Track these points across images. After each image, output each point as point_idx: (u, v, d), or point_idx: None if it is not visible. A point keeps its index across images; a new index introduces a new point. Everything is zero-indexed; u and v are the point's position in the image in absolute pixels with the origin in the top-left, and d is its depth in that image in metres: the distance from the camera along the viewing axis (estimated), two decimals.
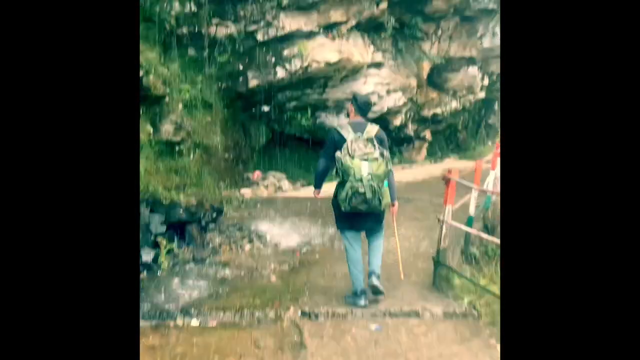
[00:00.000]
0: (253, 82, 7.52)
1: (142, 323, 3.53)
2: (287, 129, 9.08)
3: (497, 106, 13.33)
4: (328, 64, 7.86)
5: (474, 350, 3.11)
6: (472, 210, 5.24)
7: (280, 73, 7.56)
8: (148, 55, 6.04)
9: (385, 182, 3.48)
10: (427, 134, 11.28)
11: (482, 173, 6.12)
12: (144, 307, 3.72)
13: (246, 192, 7.60)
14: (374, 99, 8.91)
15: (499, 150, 6.76)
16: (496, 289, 3.45)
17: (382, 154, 3.35)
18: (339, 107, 9.01)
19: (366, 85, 8.84)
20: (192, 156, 6.69)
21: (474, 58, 10.75)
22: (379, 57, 9.06)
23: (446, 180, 4.01)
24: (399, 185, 4.05)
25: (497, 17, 10.36)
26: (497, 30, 10.47)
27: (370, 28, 8.88)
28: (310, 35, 7.68)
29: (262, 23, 7.27)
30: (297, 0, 7.30)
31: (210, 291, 4.14)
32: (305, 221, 6.21)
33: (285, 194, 7.93)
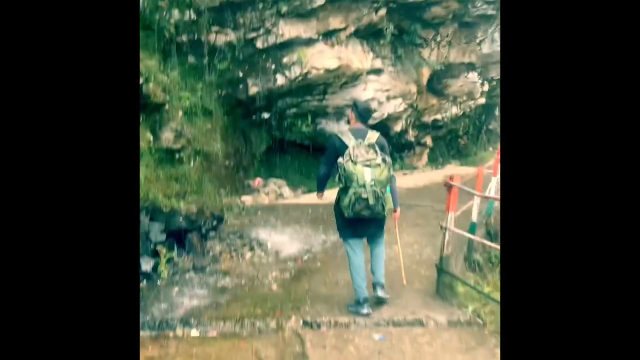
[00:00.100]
0: (253, 89, 7.51)
1: (142, 333, 3.48)
2: (287, 136, 9.06)
3: (497, 112, 13.33)
4: (327, 71, 7.85)
5: None
6: (474, 217, 5.20)
7: (280, 80, 7.55)
8: (148, 63, 6.03)
9: (388, 188, 3.48)
10: (428, 140, 11.27)
11: (484, 179, 6.08)
12: (144, 317, 3.67)
13: (247, 199, 7.56)
14: (373, 105, 8.89)
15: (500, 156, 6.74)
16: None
17: (384, 160, 3.35)
18: (339, 114, 8.99)
19: (366, 92, 8.83)
20: (192, 163, 6.66)
21: (473, 64, 10.76)
22: (378, 63, 9.06)
23: (448, 187, 3.98)
24: (400, 191, 4.03)
25: (496, 22, 10.39)
26: (497, 36, 10.49)
27: (369, 35, 8.89)
28: (309, 42, 7.68)
29: (261, 30, 7.28)
30: (296, 8, 7.31)
31: (210, 300, 4.08)
32: (306, 228, 6.17)
33: (286, 200, 7.89)
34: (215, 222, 6.03)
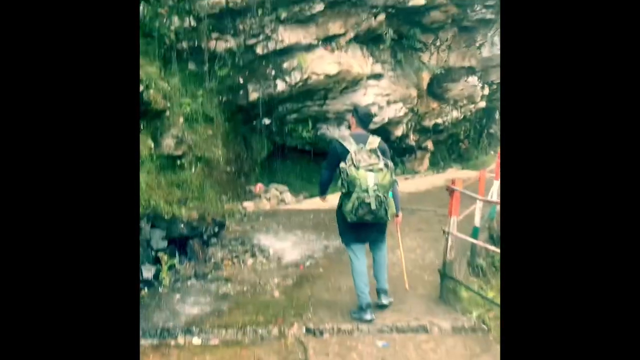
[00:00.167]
0: (253, 95, 7.51)
1: (143, 342, 3.45)
2: (288, 141, 9.05)
3: (498, 115, 13.32)
4: (327, 76, 7.85)
5: None
6: (477, 221, 5.18)
7: (280, 86, 7.55)
8: (148, 69, 6.03)
9: (390, 192, 3.47)
10: (429, 144, 11.25)
11: (486, 182, 6.06)
12: (145, 325, 3.65)
13: (248, 205, 7.54)
14: (374, 110, 8.89)
15: None
16: None
17: (386, 165, 3.36)
18: (339, 119, 8.99)
19: (366, 97, 8.83)
20: (193, 170, 6.65)
21: (473, 68, 10.76)
22: (378, 68, 9.07)
23: (450, 191, 3.95)
24: (402, 196, 4.01)
25: (496, 26, 10.40)
26: (496, 39, 10.50)
27: (368, 40, 8.90)
28: (309, 47, 7.69)
29: (261, 36, 7.29)
30: (295, 14, 7.32)
31: (212, 308, 4.06)
32: (308, 234, 6.14)
33: (288, 206, 7.87)
34: (216, 229, 6.01)
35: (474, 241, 4.29)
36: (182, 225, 5.47)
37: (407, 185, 9.43)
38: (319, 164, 9.60)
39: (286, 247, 5.62)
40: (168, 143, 6.24)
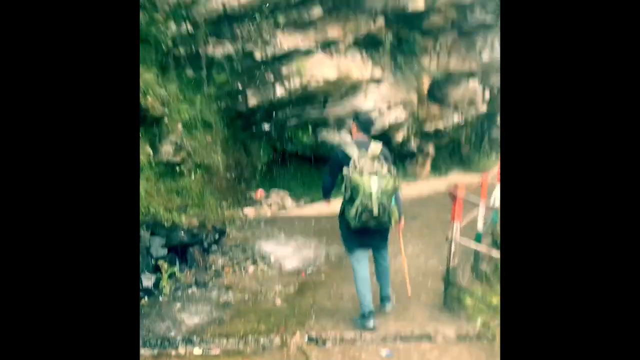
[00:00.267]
0: (252, 101, 7.47)
1: (143, 352, 3.40)
2: (288, 147, 9.00)
3: (499, 119, 13.28)
4: (327, 81, 7.82)
5: None
6: (480, 227, 5.11)
7: (280, 91, 7.52)
8: (145, 76, 6.01)
9: (392, 198, 3.45)
10: (431, 149, 11.19)
11: (488, 187, 5.99)
12: (145, 334, 3.59)
13: (249, 211, 7.49)
14: (374, 114, 8.85)
15: None
16: None
17: (389, 171, 3.36)
18: (340, 124, 8.94)
19: (366, 101, 8.79)
20: (193, 176, 6.61)
21: (474, 72, 10.72)
22: (378, 73, 9.03)
23: (452, 197, 3.90)
24: (404, 201, 3.97)
25: (496, 31, 10.38)
26: (496, 44, 10.48)
27: (368, 44, 8.87)
28: (308, 52, 7.65)
29: (259, 42, 7.25)
30: (293, 19, 7.29)
31: (213, 316, 4.00)
32: (310, 240, 6.08)
33: (289, 212, 7.81)
34: (217, 236, 5.96)
35: (478, 247, 4.23)
36: (182, 233, 5.42)
37: (408, 190, 9.36)
38: (320, 170, 9.55)
39: (288, 254, 5.56)
40: (167, 150, 6.21)
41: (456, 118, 11.04)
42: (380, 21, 8.56)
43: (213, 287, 4.68)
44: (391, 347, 3.32)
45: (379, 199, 3.24)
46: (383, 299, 3.82)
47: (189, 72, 7.17)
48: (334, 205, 4.01)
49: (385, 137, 9.45)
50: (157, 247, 5.03)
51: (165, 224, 5.53)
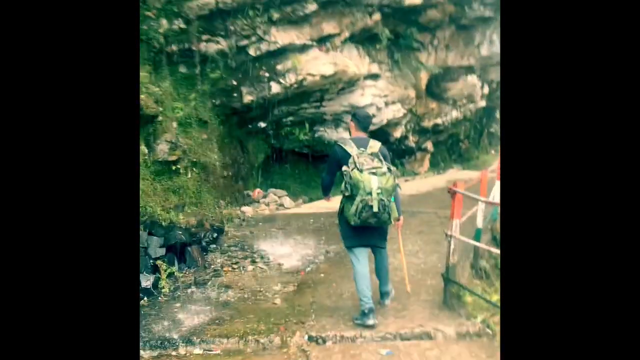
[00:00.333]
0: (247, 98, 7.41)
1: (143, 353, 3.38)
2: (285, 144, 8.97)
3: (498, 114, 13.26)
4: (323, 77, 7.77)
5: None
6: (479, 223, 5.10)
7: (275, 88, 7.46)
8: None
9: (392, 196, 3.45)
10: (429, 145, 11.18)
11: (488, 183, 5.98)
12: (145, 335, 3.57)
13: (247, 210, 7.46)
14: (372, 111, 8.81)
15: None
16: None
17: (389, 169, 3.37)
18: (337, 121, 8.91)
19: (363, 98, 8.75)
20: (189, 175, 6.56)
21: (472, 67, 10.70)
22: (375, 68, 9.00)
23: (452, 194, 3.88)
24: (402, 198, 3.96)
25: (494, 24, 10.34)
26: (495, 38, 10.44)
27: (364, 39, 8.83)
28: (303, 48, 7.60)
29: (253, 38, 7.19)
30: (288, 14, 7.23)
31: (213, 316, 3.98)
32: (308, 239, 6.06)
33: (287, 210, 7.79)
34: (215, 235, 5.93)
35: (477, 244, 4.22)
36: (180, 232, 5.39)
37: (407, 187, 9.35)
38: (317, 167, 9.52)
39: (286, 253, 5.55)
40: (162, 148, 6.16)
41: (454, 113, 11.02)
42: (377, 16, 8.51)
43: (212, 286, 4.66)
44: (391, 346, 3.30)
45: (379, 196, 3.25)
46: (383, 294, 3.86)
47: (182, 69, 7.11)
48: (332, 202, 3.99)
49: (383, 133, 9.43)
50: (154, 247, 5.00)
51: (163, 224, 5.50)
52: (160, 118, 6.12)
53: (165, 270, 4.74)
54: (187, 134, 6.74)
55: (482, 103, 11.53)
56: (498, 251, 3.75)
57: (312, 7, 7.36)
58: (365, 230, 3.48)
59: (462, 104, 11.04)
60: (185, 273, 5.01)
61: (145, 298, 4.36)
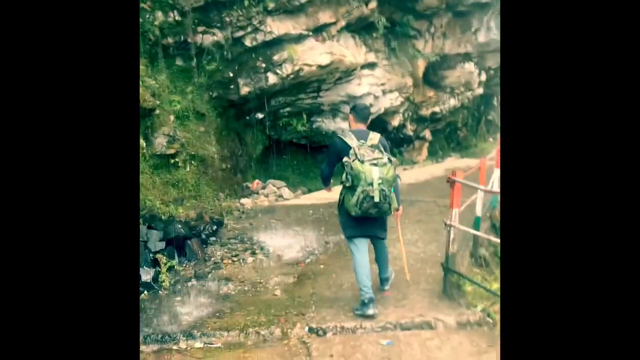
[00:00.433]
0: (244, 89, 7.37)
1: (144, 347, 3.39)
2: (283, 136, 8.93)
3: (496, 101, 13.22)
4: (320, 67, 7.71)
5: None
6: (478, 210, 5.11)
7: (272, 79, 7.41)
8: None
9: (392, 187, 3.48)
10: (427, 134, 11.14)
11: (487, 171, 5.97)
12: (145, 329, 3.58)
13: (246, 202, 7.45)
14: (369, 100, 8.77)
15: None
16: None
17: (390, 160, 3.40)
18: (334, 111, 8.86)
19: (361, 87, 8.70)
20: (188, 168, 6.54)
21: (469, 54, 10.62)
22: (372, 57, 8.92)
23: (451, 183, 3.87)
24: (401, 187, 3.96)
25: (492, 11, 10.24)
26: (492, 24, 10.35)
27: (360, 28, 8.74)
28: (299, 38, 7.53)
29: (249, 28, 7.12)
30: (283, 4, 7.15)
31: (213, 309, 3.99)
32: (308, 230, 6.06)
33: (286, 202, 7.78)
34: (215, 227, 5.93)
35: (477, 233, 4.22)
36: (179, 225, 5.39)
37: (405, 176, 9.33)
38: (316, 158, 9.50)
39: (286, 244, 5.55)
40: (160, 142, 6.13)
41: (452, 101, 10.97)
42: (373, 4, 8.42)
43: (212, 278, 4.66)
44: (391, 336, 3.31)
45: (380, 186, 3.28)
46: (382, 280, 3.95)
47: (179, 62, 7.06)
48: (331, 193, 3.99)
49: (381, 122, 9.39)
50: (154, 241, 4.99)
51: (163, 217, 5.49)
52: (157, 111, 6.08)
53: (165, 264, 4.74)
54: (185, 127, 6.71)
55: (480, 90, 11.47)
56: (498, 240, 3.76)
57: None
58: (366, 221, 3.51)
59: (460, 91, 10.98)
60: (185, 266, 5.01)
61: (146, 292, 4.36)
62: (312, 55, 7.60)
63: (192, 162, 6.60)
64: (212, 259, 5.21)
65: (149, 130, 5.99)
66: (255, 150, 8.46)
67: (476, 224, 5.10)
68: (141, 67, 6.12)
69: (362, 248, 3.62)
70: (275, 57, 7.35)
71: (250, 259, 5.15)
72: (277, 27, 7.23)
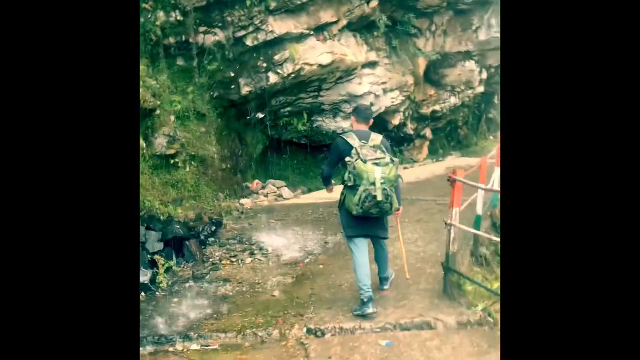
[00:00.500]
0: (245, 89, 7.34)
1: (140, 349, 3.35)
2: (283, 135, 8.89)
3: (496, 100, 13.14)
4: (321, 66, 7.67)
5: None
6: (479, 209, 5.06)
7: (273, 78, 7.38)
8: None
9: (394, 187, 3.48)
10: (427, 132, 11.08)
11: (487, 169, 5.91)
12: (141, 332, 3.54)
13: (246, 202, 7.42)
14: (370, 98, 8.72)
15: None
16: None
17: (392, 159, 3.42)
18: (335, 110, 8.82)
19: (361, 86, 8.65)
20: (187, 168, 6.51)
21: (470, 52, 10.55)
22: (372, 56, 8.88)
23: (451, 182, 3.82)
24: (401, 185, 3.93)
25: (492, 8, 10.17)
26: (493, 22, 10.27)
27: (362, 27, 8.70)
28: (300, 37, 7.50)
29: (250, 28, 7.09)
30: (285, 3, 7.12)
31: (210, 310, 3.96)
32: (307, 229, 6.02)
33: (286, 201, 7.75)
34: (213, 228, 5.90)
35: (477, 232, 4.17)
36: (178, 226, 5.35)
37: (406, 174, 9.26)
38: (316, 157, 9.46)
39: (285, 244, 5.51)
40: (160, 142, 6.10)
41: (453, 100, 10.91)
42: (374, 2, 8.37)
43: (210, 279, 4.63)
44: (391, 337, 3.27)
45: (383, 185, 3.30)
46: (382, 280, 3.94)
47: (180, 62, 7.04)
48: (331, 193, 3.95)
49: (381, 121, 9.34)
50: (152, 242, 4.96)
51: (161, 218, 5.46)
52: (157, 112, 6.05)
53: (163, 265, 4.71)
54: (185, 127, 6.68)
55: (480, 89, 11.39)
56: (498, 238, 3.71)
57: None
58: (367, 221, 3.51)
59: (461, 90, 10.91)
60: (183, 267, 4.98)
61: (143, 293, 4.33)
62: (313, 54, 7.56)
63: (192, 162, 6.57)
64: (211, 259, 5.18)
65: (149, 131, 5.96)
66: (256, 150, 8.43)
67: (477, 223, 5.05)
68: (142, 67, 6.10)
69: (362, 248, 3.61)
70: (277, 57, 7.32)
71: (248, 260, 5.12)
72: (278, 26, 7.20)
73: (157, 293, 4.37)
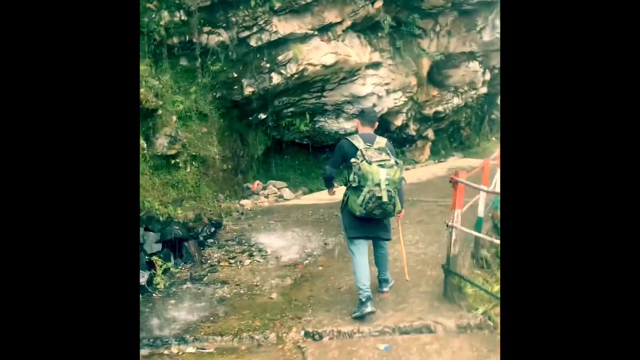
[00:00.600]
0: (248, 90, 7.31)
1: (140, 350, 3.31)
2: (285, 136, 8.86)
3: (499, 101, 13.04)
4: (324, 67, 7.63)
5: None
6: (480, 211, 5.00)
7: (276, 78, 7.34)
8: None
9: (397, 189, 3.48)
10: (430, 133, 11.02)
11: (490, 171, 5.84)
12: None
13: (246, 203, 7.38)
14: (373, 99, 8.68)
15: None
16: None
17: (396, 162, 3.45)
18: (337, 111, 8.77)
19: (365, 87, 8.60)
20: (188, 169, 6.48)
21: (474, 52, 10.47)
22: (376, 56, 8.83)
23: (453, 183, 3.77)
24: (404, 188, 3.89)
25: (496, 9, 10.10)
26: (497, 22, 10.19)
27: (366, 28, 8.65)
28: (304, 38, 7.46)
29: (254, 28, 7.06)
30: (289, 3, 7.08)
31: (208, 313, 3.91)
32: (307, 230, 5.97)
33: (286, 202, 7.70)
34: (213, 229, 5.86)
35: (479, 235, 4.11)
36: (176, 227, 5.32)
37: (408, 175, 9.16)
38: (318, 158, 9.42)
39: (284, 246, 5.46)
40: (161, 142, 6.07)
41: (456, 100, 10.84)
42: (379, 3, 8.32)
43: (208, 281, 4.59)
44: (389, 341, 3.21)
45: (387, 187, 3.31)
46: (381, 282, 3.91)
47: (183, 62, 7.02)
48: (332, 195, 3.90)
49: (384, 122, 9.28)
50: (151, 242, 4.93)
51: (160, 219, 5.43)
52: (160, 112, 6.03)
53: (161, 266, 4.68)
54: (187, 128, 6.66)
55: (484, 90, 11.31)
56: (499, 241, 3.64)
57: None
58: (370, 222, 3.51)
59: (464, 90, 10.84)
60: (181, 269, 4.94)
61: (140, 295, 4.29)
62: (317, 54, 7.52)
63: (193, 162, 6.55)
64: (209, 261, 5.14)
65: (150, 131, 5.94)
66: (257, 150, 8.40)
67: (478, 225, 4.99)
68: (145, 67, 6.09)
69: (363, 249, 3.60)
70: (280, 57, 7.29)
71: (247, 261, 5.07)
72: (282, 26, 7.16)
73: (154, 295, 4.33)
